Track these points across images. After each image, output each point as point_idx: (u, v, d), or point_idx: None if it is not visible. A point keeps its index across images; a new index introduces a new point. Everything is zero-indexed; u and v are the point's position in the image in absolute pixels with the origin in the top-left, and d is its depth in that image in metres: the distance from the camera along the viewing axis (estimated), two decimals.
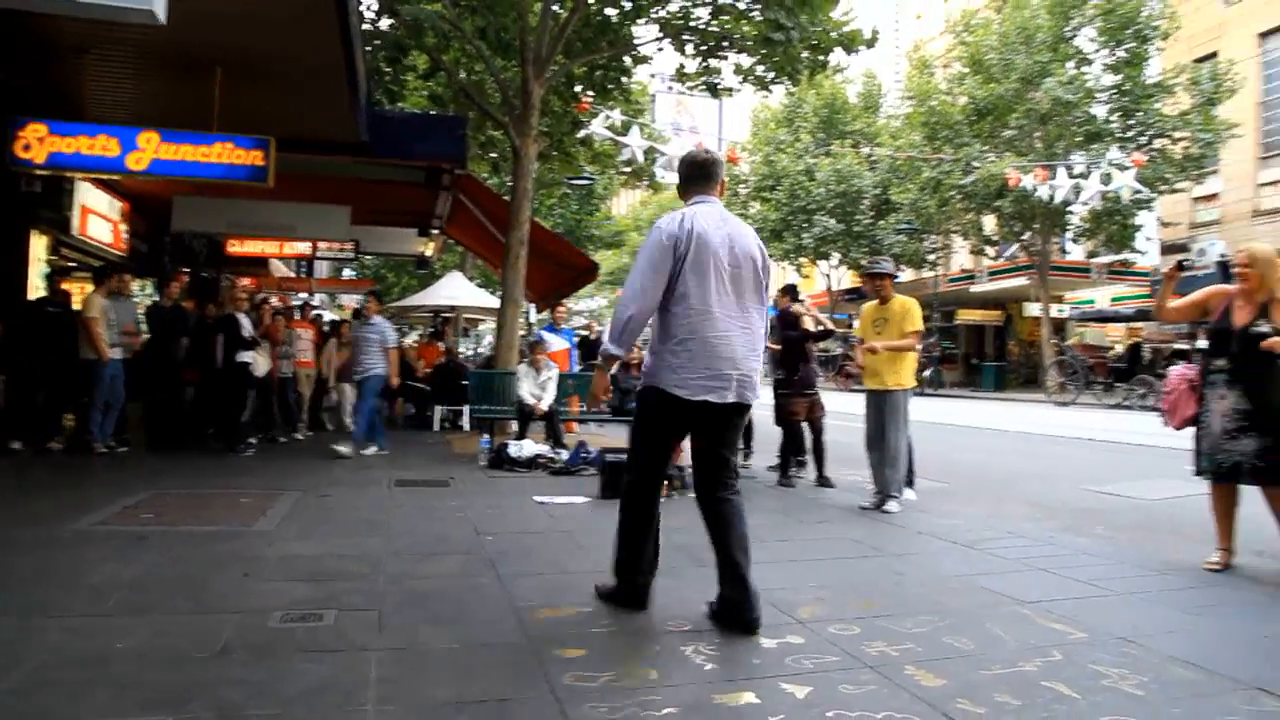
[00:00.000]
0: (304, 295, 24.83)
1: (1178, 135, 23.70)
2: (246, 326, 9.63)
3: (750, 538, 3.63)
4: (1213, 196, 26.45)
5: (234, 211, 11.92)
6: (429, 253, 17.35)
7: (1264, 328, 4.57)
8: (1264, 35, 24.51)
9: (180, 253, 15.89)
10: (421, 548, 5.02)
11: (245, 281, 17.78)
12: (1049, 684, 2.94)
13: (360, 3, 10.01)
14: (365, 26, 11.04)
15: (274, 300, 19.63)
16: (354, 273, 33.01)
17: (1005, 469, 9.66)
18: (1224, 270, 23.92)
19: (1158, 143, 23.90)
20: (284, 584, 4.09)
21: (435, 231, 15.46)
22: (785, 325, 8.08)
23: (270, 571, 4.35)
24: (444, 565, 4.60)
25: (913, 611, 3.79)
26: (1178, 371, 5.03)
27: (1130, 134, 24.07)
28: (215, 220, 12.34)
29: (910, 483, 7.00)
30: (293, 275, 22.48)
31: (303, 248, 15.92)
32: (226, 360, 9.51)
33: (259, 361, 9.87)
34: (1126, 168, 19.98)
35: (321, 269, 28.61)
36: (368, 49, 11.00)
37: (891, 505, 6.41)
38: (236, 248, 15.13)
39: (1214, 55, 25.03)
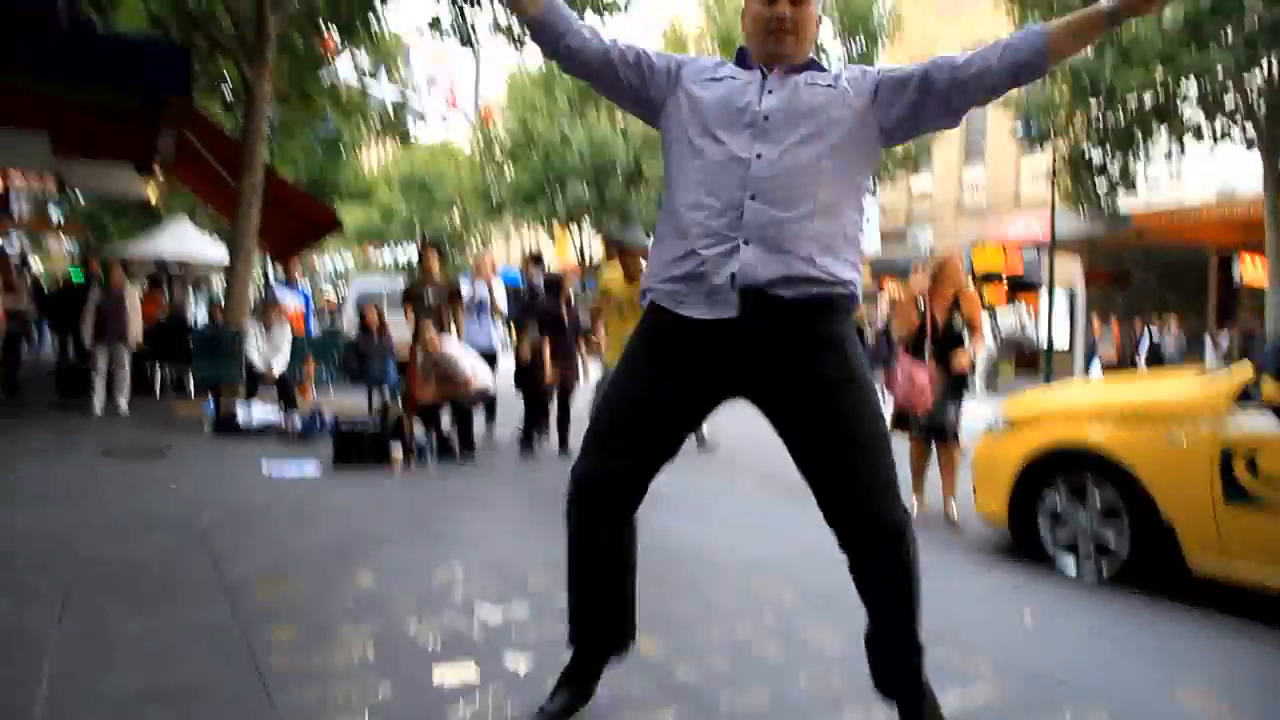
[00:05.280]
0: None
1: None
2: None
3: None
4: (926, 194, 29.37)
5: None
6: (152, 196, 15.69)
7: (958, 323, 5.77)
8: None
9: None
10: (124, 524, 4.56)
11: None
12: (759, 646, 3.14)
13: None
14: None
15: None
16: (60, 213, 29.20)
17: (734, 438, 10.23)
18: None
19: None
20: None
21: (157, 170, 13.96)
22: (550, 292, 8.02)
23: None
24: (149, 542, 4.20)
25: (640, 579, 3.92)
26: (915, 366, 5.74)
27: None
28: None
29: None
30: None
31: None
32: None
33: None
34: None
35: (19, 206, 25.03)
36: None
37: None
38: None
39: None
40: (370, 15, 12.02)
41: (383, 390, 9.35)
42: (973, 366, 5.92)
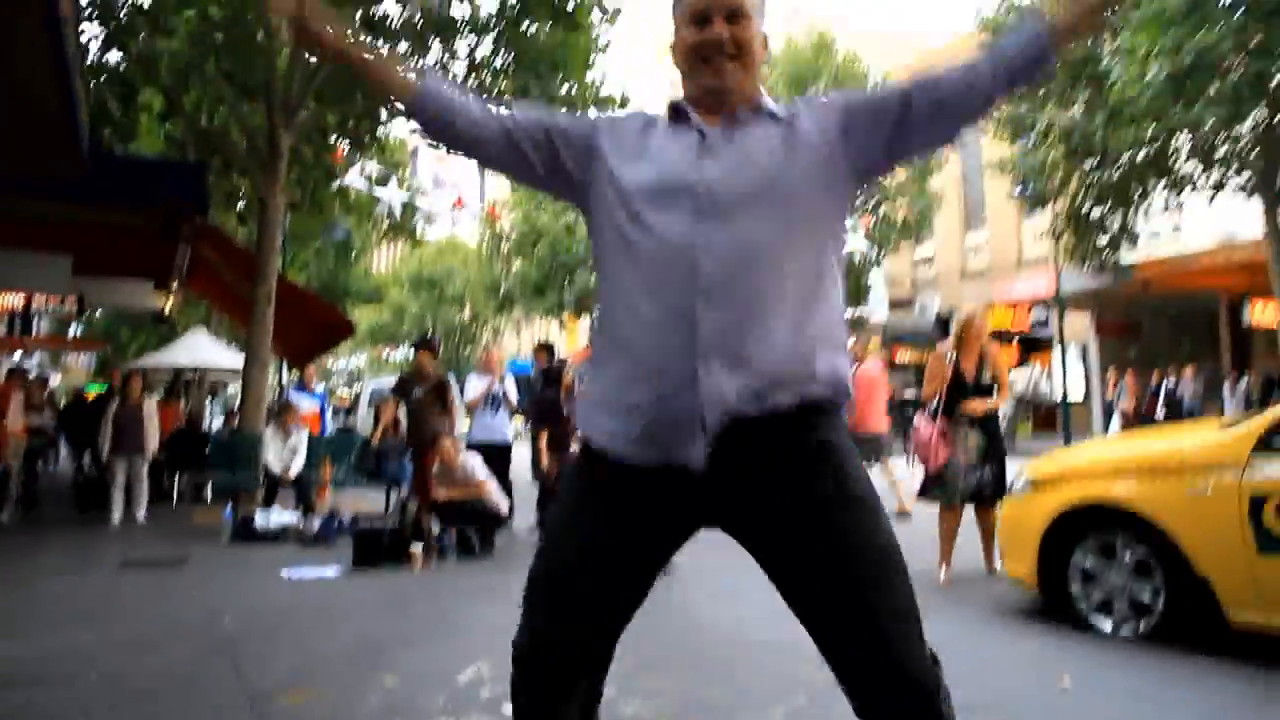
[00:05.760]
0: (20, 357, 22.02)
1: (898, 202, 26.48)
2: None
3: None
4: (929, 259, 29.63)
5: None
6: (168, 308, 16.01)
7: (986, 378, 5.75)
8: None
9: None
10: (147, 637, 4.52)
11: None
12: None
13: (82, 33, 9.16)
14: (92, 55, 10.14)
15: None
16: (79, 329, 29.74)
17: None
18: (941, 324, 26.84)
19: (882, 208, 26.54)
20: None
21: (174, 285, 14.28)
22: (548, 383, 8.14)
23: None
24: (172, 655, 4.16)
25: (671, 665, 3.86)
26: (927, 424, 5.78)
27: (859, 198, 26.61)
28: None
29: None
30: (3, 332, 19.92)
31: (13, 300, 14.15)
32: None
33: None
34: (857, 228, 22.15)
35: (39, 325, 25.56)
36: (95, 82, 10.07)
37: None
38: None
39: None
40: (378, 126, 12.42)
41: (400, 488, 9.36)
42: (994, 420, 5.84)
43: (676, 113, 1.76)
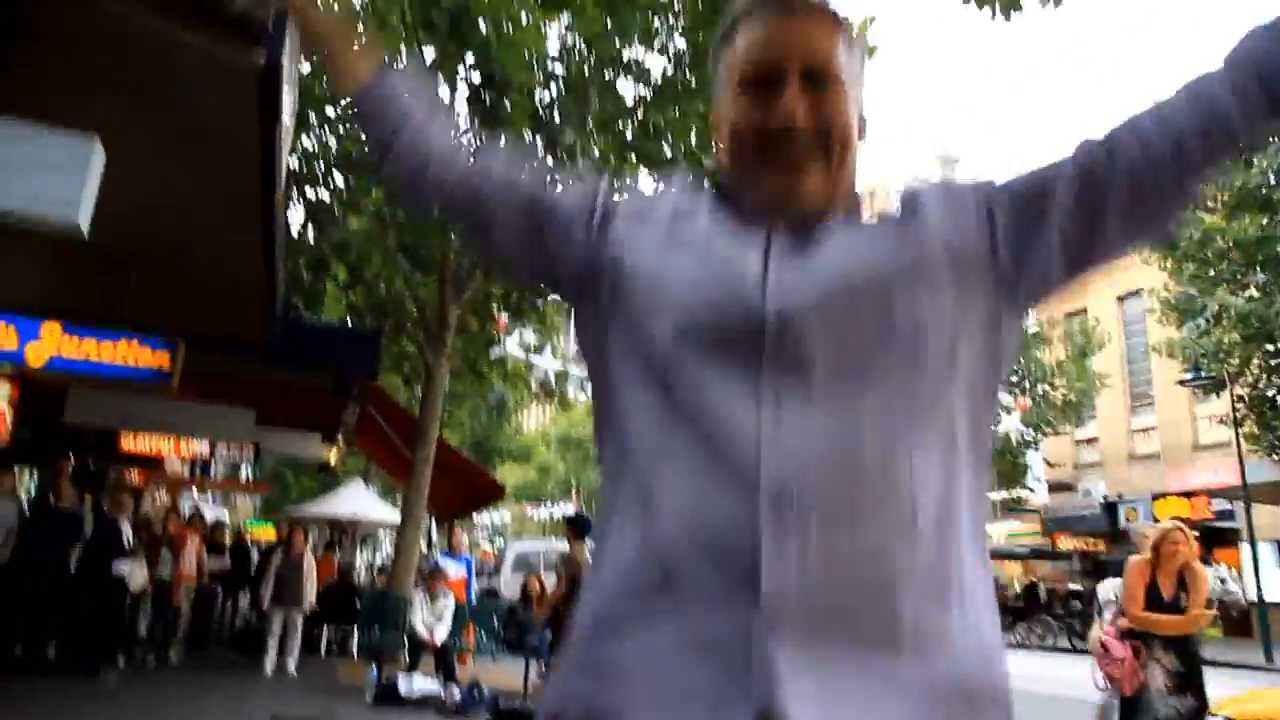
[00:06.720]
0: (196, 495, 23.69)
1: (1056, 382, 25.49)
2: (127, 533, 9.06)
3: None
4: (1092, 440, 28.09)
5: (131, 407, 11.49)
6: (333, 460, 17.02)
7: (1184, 601, 5.25)
8: (1121, 299, 26.99)
9: (70, 442, 15.07)
10: None
11: (134, 477, 16.95)
12: None
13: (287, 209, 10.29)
14: (292, 233, 11.32)
15: (161, 497, 18.75)
16: (251, 472, 31.82)
17: None
18: (1109, 510, 25.10)
19: (1040, 388, 25.59)
20: None
21: (341, 439, 15.22)
22: None
23: None
24: None
25: None
26: (1118, 642, 5.37)
27: (1015, 378, 25.79)
28: (110, 415, 11.86)
29: None
30: (186, 474, 21.56)
31: (200, 446, 15.38)
32: (99, 570, 8.83)
33: (135, 574, 9.22)
34: (1012, 410, 21.34)
35: (216, 468, 27.55)
36: (291, 258, 11.19)
37: None
38: (130, 444, 14.48)
39: (1084, 311, 27.39)
40: (539, 300, 13.18)
41: (540, 661, 9.26)
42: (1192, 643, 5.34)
43: (725, 199, 1.08)
